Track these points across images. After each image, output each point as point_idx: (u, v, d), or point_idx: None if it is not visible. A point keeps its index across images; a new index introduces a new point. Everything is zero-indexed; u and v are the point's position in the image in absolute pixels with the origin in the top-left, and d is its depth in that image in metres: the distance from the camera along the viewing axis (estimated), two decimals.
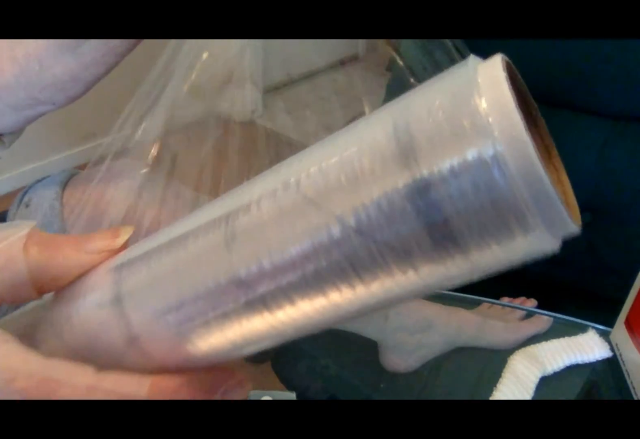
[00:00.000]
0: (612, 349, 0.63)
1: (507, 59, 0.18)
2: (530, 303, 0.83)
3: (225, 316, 0.20)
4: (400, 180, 0.16)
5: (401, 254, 0.16)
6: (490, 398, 0.59)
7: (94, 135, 2.10)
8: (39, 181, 0.67)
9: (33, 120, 0.52)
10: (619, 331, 0.62)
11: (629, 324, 0.60)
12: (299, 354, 0.78)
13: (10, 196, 2.11)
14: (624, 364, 0.61)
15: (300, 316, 0.20)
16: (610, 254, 0.99)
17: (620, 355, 0.62)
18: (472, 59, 0.18)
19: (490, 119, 0.15)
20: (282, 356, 0.82)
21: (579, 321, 0.68)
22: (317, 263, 0.18)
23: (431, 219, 0.16)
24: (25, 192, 0.66)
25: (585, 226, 1.07)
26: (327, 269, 0.18)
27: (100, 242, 0.24)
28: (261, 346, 0.22)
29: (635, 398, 0.58)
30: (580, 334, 0.65)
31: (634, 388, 0.58)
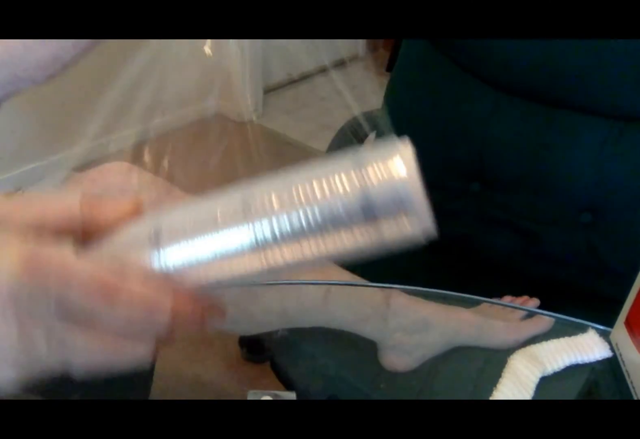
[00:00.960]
0: (612, 349, 0.63)
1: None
2: (533, 302, 0.82)
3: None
4: (353, 191, 0.27)
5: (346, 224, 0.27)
6: (490, 398, 0.59)
7: (93, 135, 2.10)
8: (34, 185, 0.69)
9: (12, 95, 0.54)
10: (619, 331, 0.62)
11: (629, 324, 0.60)
12: (299, 354, 0.78)
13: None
14: (624, 364, 0.61)
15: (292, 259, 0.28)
16: (610, 254, 0.99)
17: (620, 355, 0.62)
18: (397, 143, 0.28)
19: (406, 177, 0.28)
20: (282, 356, 0.82)
21: (579, 321, 0.68)
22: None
23: (367, 207, 0.27)
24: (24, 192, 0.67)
25: (585, 226, 1.07)
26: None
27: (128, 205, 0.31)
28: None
29: (635, 398, 0.58)
30: (580, 334, 0.65)
31: (634, 388, 0.58)
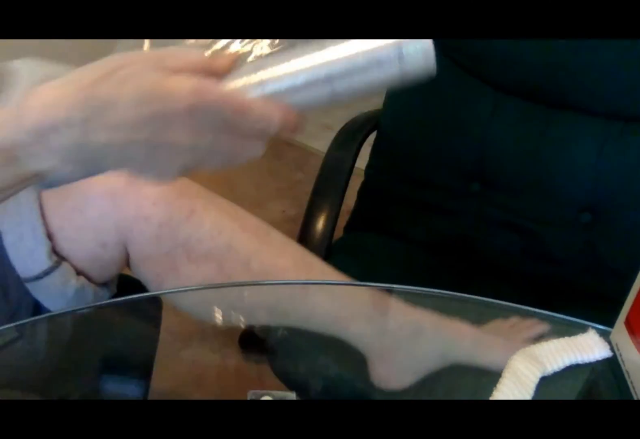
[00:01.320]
0: (612, 349, 0.63)
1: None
2: (541, 326, 0.73)
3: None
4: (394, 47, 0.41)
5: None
6: (490, 398, 0.59)
7: None
8: None
9: None
10: (619, 331, 0.62)
11: (629, 324, 0.60)
12: (299, 354, 0.78)
13: None
14: (624, 364, 0.61)
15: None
16: (610, 254, 0.99)
17: (620, 355, 0.62)
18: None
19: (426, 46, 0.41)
20: (282, 356, 0.82)
21: (579, 321, 0.68)
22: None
23: (403, 56, 0.40)
24: None
25: (585, 226, 1.07)
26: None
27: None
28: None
29: (635, 398, 0.58)
30: (580, 334, 0.65)
31: (634, 388, 0.58)
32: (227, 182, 1.89)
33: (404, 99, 1.11)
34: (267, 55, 0.43)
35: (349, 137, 1.10)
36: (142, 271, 0.71)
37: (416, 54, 0.40)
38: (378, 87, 0.42)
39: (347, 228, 1.13)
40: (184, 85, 0.38)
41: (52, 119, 0.39)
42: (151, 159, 0.40)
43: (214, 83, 0.40)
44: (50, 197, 0.67)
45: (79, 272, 0.69)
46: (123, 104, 0.38)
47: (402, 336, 0.71)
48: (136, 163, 0.41)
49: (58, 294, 0.67)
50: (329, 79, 0.41)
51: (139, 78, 0.39)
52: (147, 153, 0.40)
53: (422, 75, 0.41)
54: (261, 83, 0.41)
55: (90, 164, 0.41)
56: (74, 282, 0.68)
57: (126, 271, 0.75)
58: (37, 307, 0.69)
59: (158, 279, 0.71)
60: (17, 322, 0.66)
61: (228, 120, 0.40)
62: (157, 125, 0.39)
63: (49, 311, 0.69)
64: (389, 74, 0.41)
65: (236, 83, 0.42)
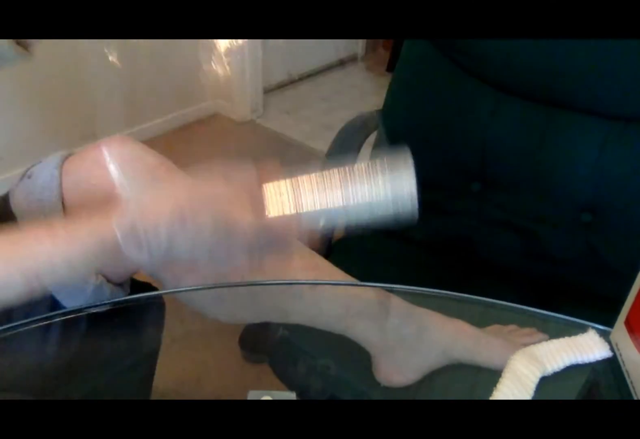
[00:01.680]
0: (612, 349, 0.63)
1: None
2: (541, 335, 0.75)
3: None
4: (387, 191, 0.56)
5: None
6: (490, 398, 0.59)
7: (93, 135, 2.10)
8: (40, 161, 0.71)
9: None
10: (619, 331, 0.62)
11: (629, 324, 0.60)
12: (299, 354, 0.78)
13: None
14: (624, 364, 0.61)
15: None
16: (610, 254, 0.99)
17: (620, 355, 0.62)
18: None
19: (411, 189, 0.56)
20: (282, 356, 0.82)
21: (579, 321, 0.68)
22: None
23: (394, 198, 0.56)
24: (29, 169, 0.71)
25: (585, 226, 1.06)
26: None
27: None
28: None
29: (635, 398, 0.58)
30: (580, 334, 0.65)
31: (634, 388, 0.58)
32: None
33: (404, 99, 1.11)
34: (298, 186, 0.57)
35: (349, 137, 1.10)
36: (160, 272, 0.72)
37: (404, 206, 0.55)
38: (379, 220, 0.56)
39: (347, 228, 1.13)
40: (246, 223, 0.53)
41: (148, 231, 0.52)
42: (209, 255, 0.55)
43: (267, 218, 0.55)
44: (74, 198, 0.68)
45: (97, 271, 0.70)
46: (200, 226, 0.53)
47: (406, 334, 0.72)
48: (195, 257, 0.56)
49: (77, 292, 0.69)
50: (346, 217, 0.56)
51: (213, 208, 0.53)
52: (209, 252, 0.55)
53: (408, 215, 0.55)
54: (297, 213, 0.56)
55: (165, 257, 0.54)
56: (93, 280, 0.69)
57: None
58: (54, 308, 0.70)
59: (175, 279, 0.72)
60: (16, 323, 0.66)
61: (274, 240, 0.56)
62: (222, 241, 0.54)
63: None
64: (386, 213, 0.55)
65: (280, 210, 0.56)
